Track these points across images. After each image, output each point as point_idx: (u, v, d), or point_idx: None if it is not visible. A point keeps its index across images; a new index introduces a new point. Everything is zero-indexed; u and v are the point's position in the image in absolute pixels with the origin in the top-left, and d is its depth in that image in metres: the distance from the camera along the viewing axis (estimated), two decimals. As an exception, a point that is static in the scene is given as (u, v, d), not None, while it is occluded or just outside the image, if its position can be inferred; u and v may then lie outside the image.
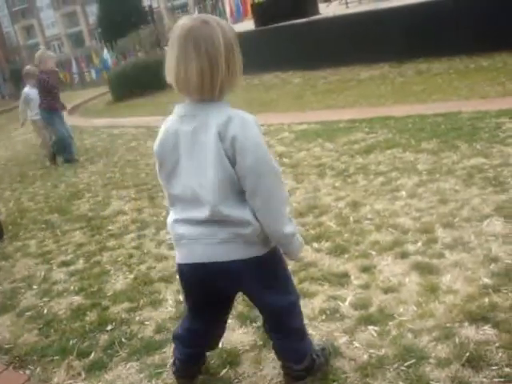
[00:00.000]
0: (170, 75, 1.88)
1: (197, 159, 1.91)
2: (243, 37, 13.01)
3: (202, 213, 1.94)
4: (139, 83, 17.05)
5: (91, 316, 3.25)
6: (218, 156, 1.85)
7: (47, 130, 8.78)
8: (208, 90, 1.85)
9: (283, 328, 2.21)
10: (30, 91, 8.76)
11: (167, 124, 1.99)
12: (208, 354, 2.50)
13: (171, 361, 2.52)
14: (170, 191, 2.04)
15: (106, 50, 28.20)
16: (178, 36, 1.82)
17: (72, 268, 4.05)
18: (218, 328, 2.39)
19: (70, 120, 13.44)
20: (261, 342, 2.63)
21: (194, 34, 1.80)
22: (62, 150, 8.39)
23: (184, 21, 1.85)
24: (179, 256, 2.10)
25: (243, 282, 2.07)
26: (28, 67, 9.18)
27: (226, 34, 1.84)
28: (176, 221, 2.04)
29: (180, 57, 1.82)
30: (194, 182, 1.93)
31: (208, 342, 2.40)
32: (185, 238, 2.02)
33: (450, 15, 10.10)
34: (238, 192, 1.92)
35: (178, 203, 2.03)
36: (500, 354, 2.27)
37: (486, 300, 2.66)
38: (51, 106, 8.05)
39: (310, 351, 2.31)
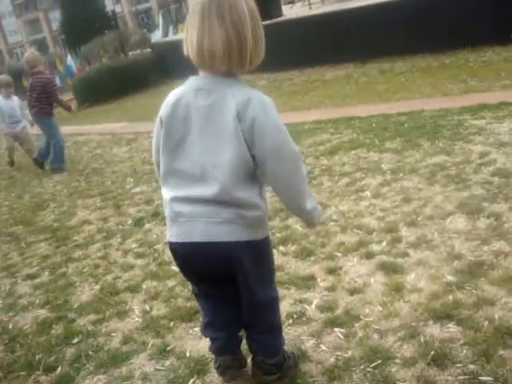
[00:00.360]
0: (190, 47, 1.82)
1: (211, 136, 1.86)
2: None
3: (209, 191, 1.89)
4: (104, 89, 16.92)
5: (57, 329, 3.20)
6: (235, 136, 1.82)
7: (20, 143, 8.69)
8: (237, 61, 1.81)
9: (262, 322, 2.21)
10: (2, 102, 8.35)
11: (178, 94, 1.92)
12: (178, 362, 2.49)
13: (213, 360, 2.41)
14: (171, 164, 1.95)
15: (69, 57, 27.84)
16: (199, 5, 1.78)
17: (37, 281, 3.98)
18: (234, 297, 2.21)
19: (34, 128, 13.24)
20: (228, 349, 2.62)
21: (216, 3, 1.76)
22: (55, 157, 7.85)
23: None
24: (174, 234, 2.02)
25: (240, 265, 2.01)
26: (1, 76, 8.86)
27: (249, 3, 1.81)
28: (175, 198, 1.97)
29: (202, 27, 1.77)
30: (205, 160, 1.88)
31: (235, 313, 2.24)
32: (184, 215, 1.95)
33: (412, 14, 10.22)
34: (250, 174, 1.90)
35: (176, 179, 1.96)
36: (464, 352, 2.30)
37: (450, 297, 2.69)
38: (51, 111, 7.74)
39: (283, 350, 2.33)
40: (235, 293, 2.16)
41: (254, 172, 1.92)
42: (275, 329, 2.28)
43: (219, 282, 2.17)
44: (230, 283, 2.14)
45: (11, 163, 9.05)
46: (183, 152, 1.92)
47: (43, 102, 7.58)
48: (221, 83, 1.85)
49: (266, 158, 1.85)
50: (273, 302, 2.22)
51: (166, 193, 2.01)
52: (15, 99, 8.60)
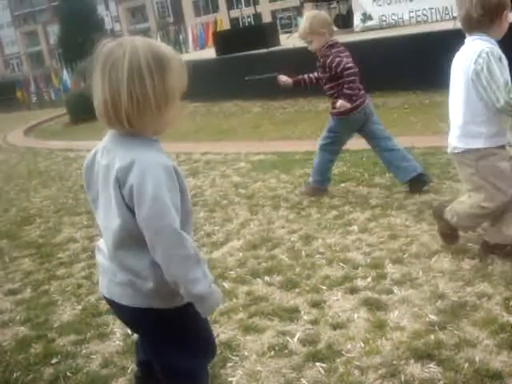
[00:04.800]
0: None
1: (105, 199, 1.82)
2: (204, 65, 12.92)
3: (106, 252, 1.92)
4: (98, 106, 16.90)
5: (36, 348, 3.17)
6: (117, 202, 1.75)
7: None
8: (115, 121, 1.72)
9: None
10: None
11: (96, 149, 1.89)
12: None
13: None
14: (95, 215, 1.99)
15: (65, 71, 27.93)
16: (95, 59, 1.73)
17: (19, 297, 3.95)
18: None
19: (25, 142, 13.19)
20: None
21: (104, 59, 1.70)
22: None
23: (107, 43, 1.74)
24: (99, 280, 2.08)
25: (138, 330, 2.03)
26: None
27: (137, 60, 1.67)
28: (97, 247, 2.03)
29: (93, 82, 1.73)
30: (102, 221, 1.88)
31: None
32: (100, 266, 2.00)
33: (406, 51, 10.37)
34: (138, 242, 1.78)
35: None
36: (444, 393, 2.32)
37: (432, 337, 2.70)
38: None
39: None
40: None
41: (143, 242, 1.76)
42: None
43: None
44: None
45: None
46: (97, 208, 1.91)
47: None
48: (117, 143, 1.78)
49: (142, 228, 1.72)
50: (190, 374, 2.03)
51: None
52: None
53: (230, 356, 2.79)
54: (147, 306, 1.87)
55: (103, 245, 1.96)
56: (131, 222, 1.74)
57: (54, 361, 3.00)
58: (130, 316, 1.95)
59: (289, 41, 15.83)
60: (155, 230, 1.70)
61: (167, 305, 1.89)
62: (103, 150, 1.82)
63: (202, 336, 2.08)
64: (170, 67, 1.72)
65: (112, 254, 1.86)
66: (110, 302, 1.99)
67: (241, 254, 4.10)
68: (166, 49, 1.76)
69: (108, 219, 1.82)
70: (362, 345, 2.73)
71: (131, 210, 1.73)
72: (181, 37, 27.19)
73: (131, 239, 1.79)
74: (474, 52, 3.07)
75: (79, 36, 34.17)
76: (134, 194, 1.69)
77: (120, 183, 1.71)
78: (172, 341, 1.97)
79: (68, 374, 2.85)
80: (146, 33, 65.79)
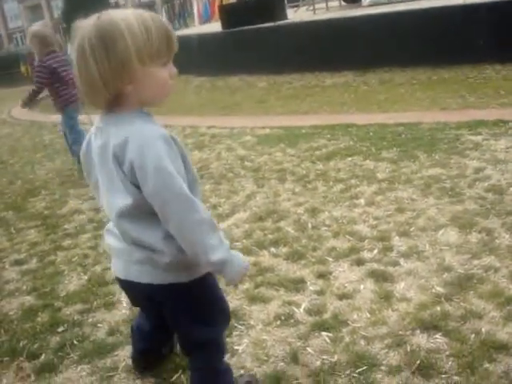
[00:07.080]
0: None
1: (106, 178, 1.77)
2: (210, 39, 12.79)
3: (117, 231, 1.88)
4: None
5: (43, 317, 3.18)
6: (118, 180, 1.70)
7: None
8: (96, 101, 1.69)
9: (198, 360, 2.13)
10: None
11: (89, 136, 1.84)
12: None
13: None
14: (98, 200, 1.95)
15: (69, 46, 27.81)
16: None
17: (25, 267, 3.96)
18: (164, 330, 2.30)
19: (29, 116, 13.15)
20: (214, 347, 2.62)
21: (76, 36, 1.67)
22: None
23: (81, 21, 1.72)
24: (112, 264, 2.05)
25: (160, 305, 1.99)
26: None
27: (98, 34, 1.63)
28: (107, 230, 1.98)
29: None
30: (107, 202, 1.82)
31: (156, 340, 2.40)
32: (112, 249, 1.96)
33: (415, 27, 10.26)
34: (148, 217, 1.74)
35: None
36: (450, 363, 2.32)
37: (438, 309, 2.70)
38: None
39: None
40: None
41: (153, 215, 1.73)
42: (214, 373, 2.14)
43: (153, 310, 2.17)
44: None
45: None
46: (99, 191, 1.86)
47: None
48: (109, 122, 1.73)
49: (151, 202, 1.68)
50: (207, 344, 2.06)
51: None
52: None
53: (236, 325, 2.80)
54: (167, 281, 1.85)
55: (112, 226, 1.92)
56: (140, 198, 1.69)
57: (60, 329, 3.01)
58: (151, 294, 1.92)
59: (296, 14, 15.69)
60: (164, 200, 1.66)
61: (186, 278, 1.86)
62: (96, 132, 1.78)
63: (221, 305, 2.10)
64: (117, 39, 1.63)
65: (123, 232, 1.81)
66: (127, 284, 1.95)
67: (247, 225, 4.09)
68: (120, 19, 1.69)
69: (114, 198, 1.76)
70: (368, 315, 2.73)
71: (136, 186, 1.68)
72: (185, 11, 26.96)
73: (142, 214, 1.74)
74: None
75: (83, 10, 33.76)
76: (136, 169, 1.64)
77: (119, 160, 1.67)
78: (196, 313, 1.97)
79: (74, 341, 2.87)
80: (150, 7, 65.27)
